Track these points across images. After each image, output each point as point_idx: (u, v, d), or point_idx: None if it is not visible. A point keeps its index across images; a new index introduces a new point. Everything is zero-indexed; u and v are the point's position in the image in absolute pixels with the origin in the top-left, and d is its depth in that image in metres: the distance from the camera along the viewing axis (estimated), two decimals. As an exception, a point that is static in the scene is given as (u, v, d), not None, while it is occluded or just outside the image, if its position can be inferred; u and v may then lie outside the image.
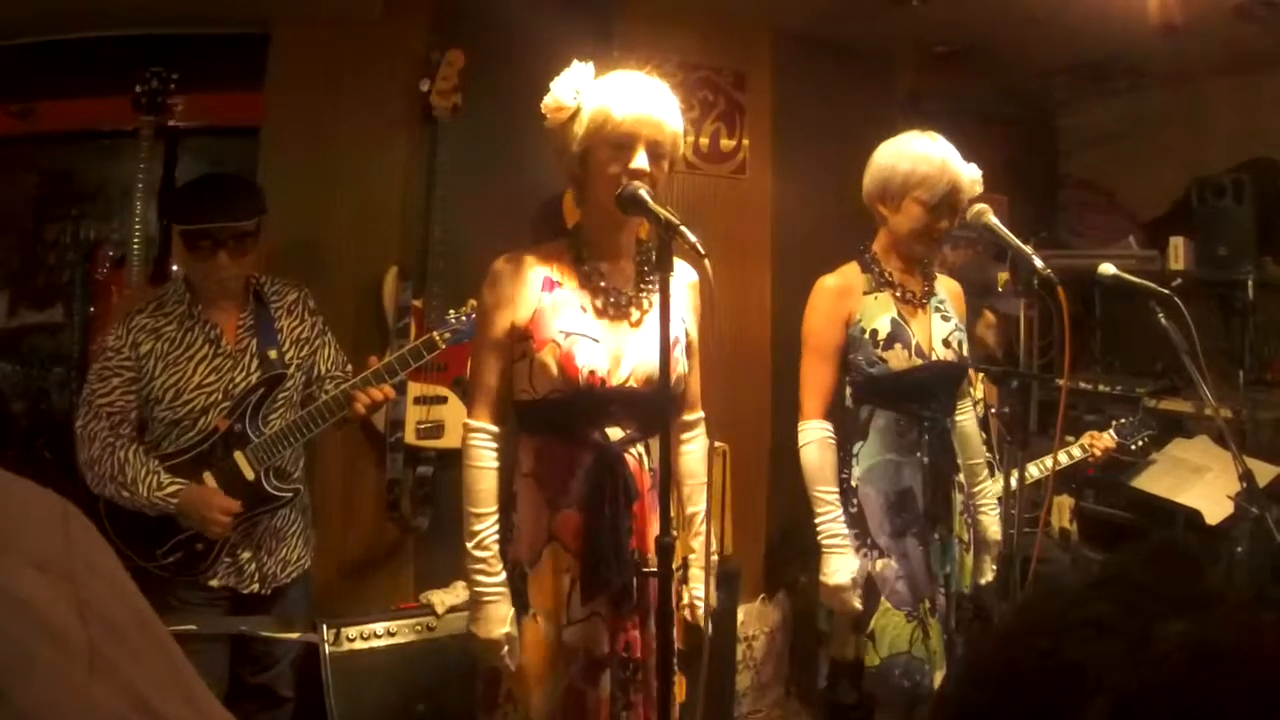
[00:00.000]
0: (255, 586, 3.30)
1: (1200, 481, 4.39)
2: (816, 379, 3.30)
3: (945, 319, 3.35)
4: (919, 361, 3.21)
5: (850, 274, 3.34)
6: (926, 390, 3.26)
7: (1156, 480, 4.56)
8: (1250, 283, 4.94)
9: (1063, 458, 4.17)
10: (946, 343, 3.30)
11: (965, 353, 3.37)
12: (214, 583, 3.23)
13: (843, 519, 3.22)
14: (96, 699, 0.64)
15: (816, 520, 3.23)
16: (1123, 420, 4.41)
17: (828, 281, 3.34)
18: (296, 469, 3.43)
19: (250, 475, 3.23)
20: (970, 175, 3.22)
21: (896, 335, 3.20)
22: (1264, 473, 3.92)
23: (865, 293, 3.27)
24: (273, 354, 3.33)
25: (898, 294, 3.29)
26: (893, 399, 3.25)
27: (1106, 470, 4.91)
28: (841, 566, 3.16)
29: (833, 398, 3.31)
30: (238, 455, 3.23)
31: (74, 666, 0.64)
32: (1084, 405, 5.21)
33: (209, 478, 3.19)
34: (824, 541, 3.20)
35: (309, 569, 3.54)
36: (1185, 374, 3.49)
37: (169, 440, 3.22)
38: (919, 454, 3.23)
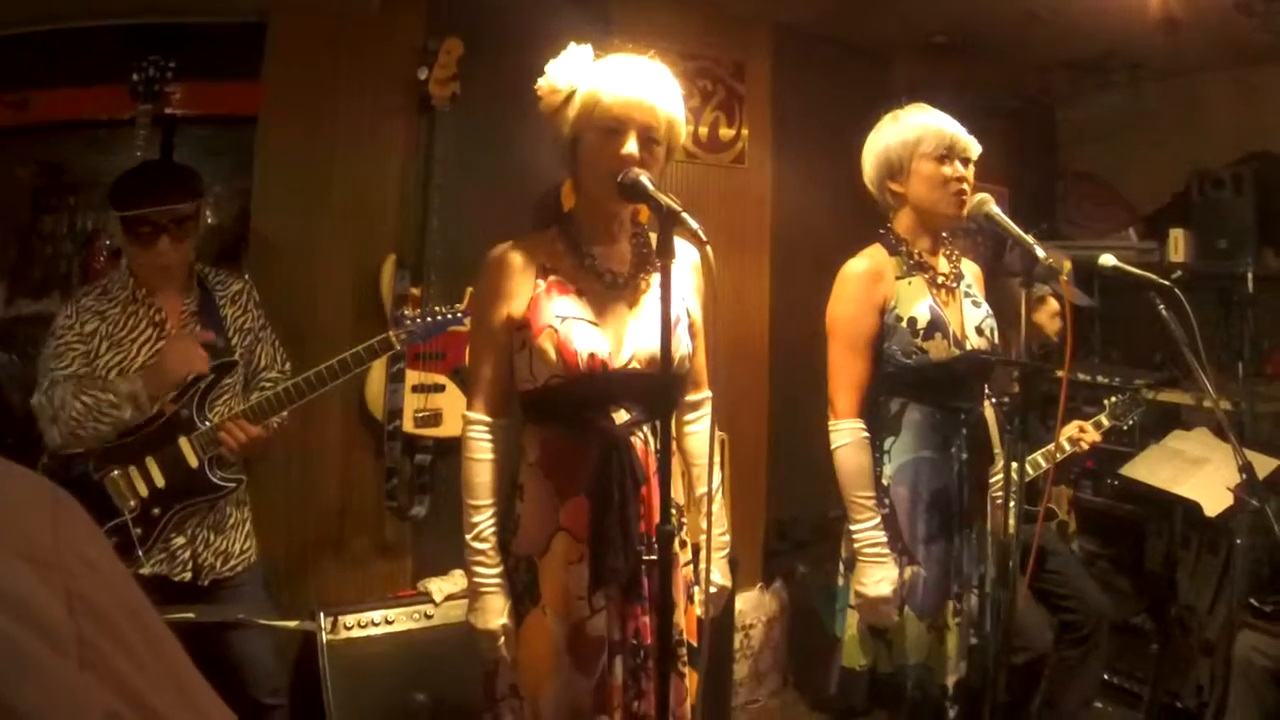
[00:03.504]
0: (187, 575, 3.24)
1: (1199, 473, 4.38)
2: (849, 373, 3.08)
3: (976, 305, 3.19)
4: (957, 352, 3.04)
5: (878, 256, 3.15)
6: (963, 381, 3.11)
7: (1155, 472, 4.55)
8: (1250, 275, 4.94)
9: (1043, 461, 4.14)
10: (980, 330, 3.13)
11: (997, 340, 3.21)
12: (144, 571, 3.16)
13: (882, 525, 3.02)
14: (88, 694, 0.63)
15: (854, 528, 3.03)
16: (1114, 399, 4.39)
17: (856, 265, 3.13)
18: (238, 460, 3.38)
19: (194, 463, 3.20)
20: (960, 128, 3.12)
21: (936, 324, 3.03)
22: (1263, 465, 3.91)
23: (898, 277, 3.10)
24: (218, 341, 3.32)
25: (929, 277, 3.12)
26: (929, 391, 3.07)
27: (1104, 461, 4.91)
28: (883, 577, 2.98)
29: (867, 393, 3.11)
30: (182, 441, 3.20)
31: (64, 661, 0.63)
32: (1082, 396, 5.21)
33: (151, 463, 3.16)
34: (864, 550, 3.01)
35: (256, 562, 3.48)
36: (1184, 365, 3.47)
37: None
38: (954, 448, 3.06)
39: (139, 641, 0.70)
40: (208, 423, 3.22)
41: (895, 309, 3.07)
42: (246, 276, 3.57)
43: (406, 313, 3.46)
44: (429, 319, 3.42)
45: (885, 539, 3.02)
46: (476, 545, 2.54)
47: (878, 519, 3.02)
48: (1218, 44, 4.99)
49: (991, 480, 3.23)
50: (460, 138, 4.17)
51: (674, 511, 2.39)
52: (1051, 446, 4.05)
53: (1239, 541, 4.10)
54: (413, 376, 4.06)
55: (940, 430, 3.08)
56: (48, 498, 0.74)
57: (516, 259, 2.55)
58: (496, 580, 2.55)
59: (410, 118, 4.22)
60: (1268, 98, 5.32)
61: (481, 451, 2.57)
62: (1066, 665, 4.06)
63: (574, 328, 2.46)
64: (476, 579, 2.56)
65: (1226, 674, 3.97)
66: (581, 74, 2.48)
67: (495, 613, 2.54)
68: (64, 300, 3.60)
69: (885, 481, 3.08)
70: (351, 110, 4.17)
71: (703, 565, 2.66)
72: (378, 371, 4.02)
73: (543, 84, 2.50)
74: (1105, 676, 4.54)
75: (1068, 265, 4.05)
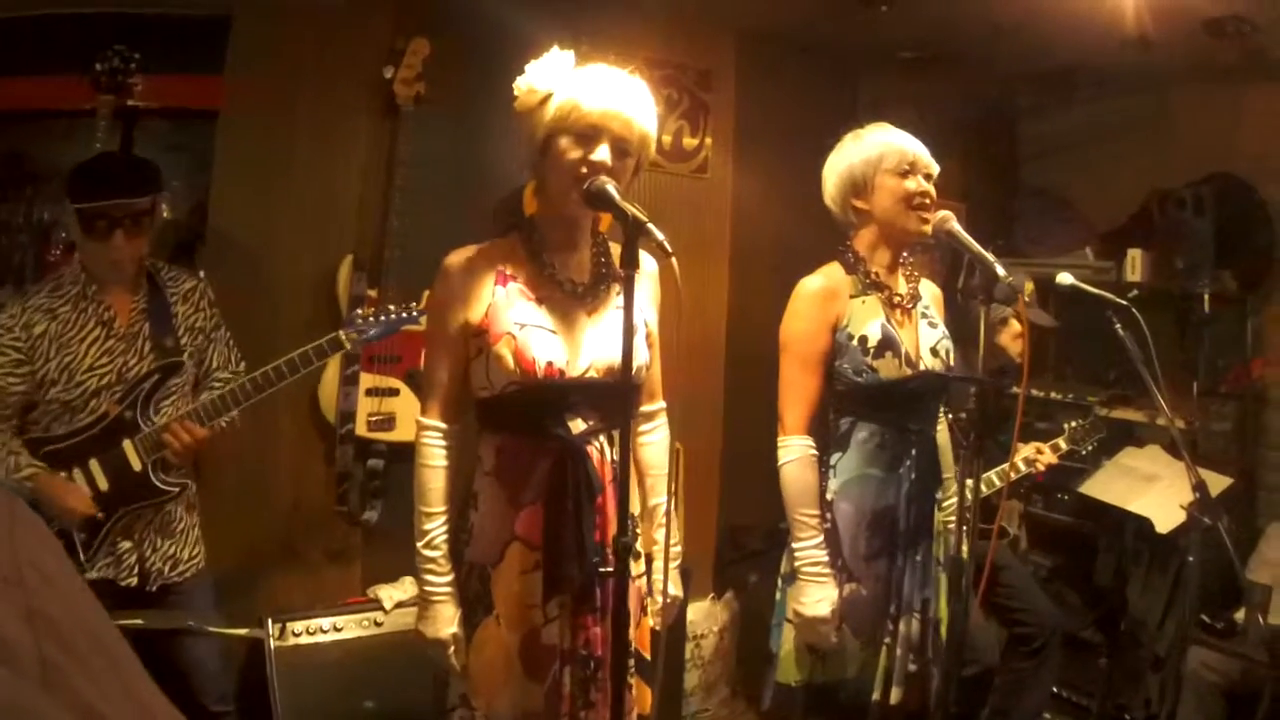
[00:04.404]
0: (133, 581, 3.18)
1: (1151, 490, 4.42)
2: (799, 390, 3.08)
3: (933, 326, 3.20)
4: (909, 372, 3.05)
5: (834, 275, 3.15)
6: (914, 402, 3.09)
7: (1106, 488, 4.59)
8: (1206, 295, 5.00)
9: (997, 480, 4.16)
10: (935, 351, 3.14)
11: (953, 362, 3.22)
12: (90, 576, 3.10)
13: (824, 545, 3.01)
14: (51, 718, 0.61)
15: (796, 545, 3.03)
16: (1074, 424, 4.42)
17: (811, 283, 3.13)
18: (185, 463, 3.31)
19: (137, 465, 3.14)
20: (921, 145, 3.14)
21: (888, 343, 3.03)
22: (1214, 483, 3.95)
23: (852, 296, 3.10)
24: (168, 341, 3.25)
25: (885, 297, 3.12)
26: (879, 410, 3.06)
27: (1056, 477, 4.94)
28: (823, 597, 2.98)
29: (817, 410, 3.10)
30: (126, 444, 3.14)
31: (27, 685, 0.60)
32: (1035, 412, 5.25)
33: (94, 465, 3.10)
34: (804, 569, 3.01)
35: (204, 568, 3.41)
36: (1138, 383, 3.50)
37: (61, 423, 3.14)
38: (902, 469, 3.06)
39: (99, 660, 0.68)
40: (152, 424, 3.16)
41: (847, 327, 3.07)
42: (202, 274, 3.51)
43: (359, 312, 3.41)
44: (382, 318, 3.38)
45: (826, 558, 3.02)
46: (427, 553, 2.51)
47: (820, 537, 3.02)
48: (1184, 63, 5.02)
49: (944, 504, 3.21)
50: (423, 139, 4.14)
51: (630, 523, 2.38)
52: (1006, 466, 4.07)
53: (1191, 559, 4.13)
54: (367, 380, 4.03)
55: (888, 450, 3.08)
56: (4, 509, 0.72)
57: (475, 264, 2.53)
58: (447, 589, 2.52)
59: (374, 117, 4.19)
60: (1231, 119, 5.37)
61: (436, 458, 2.54)
62: (1018, 677, 4.08)
63: (532, 335, 2.43)
64: (427, 588, 2.53)
65: (1177, 689, 4.01)
66: (561, 78, 2.46)
67: (446, 621, 2.51)
68: (18, 292, 3.54)
69: (829, 497, 3.08)
70: (314, 108, 4.13)
71: (656, 576, 2.66)
72: (331, 374, 3.98)
73: (521, 83, 2.48)
74: (1054, 689, 4.57)
75: (1029, 286, 4.06)
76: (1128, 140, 5.80)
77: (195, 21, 4.06)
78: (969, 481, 2.85)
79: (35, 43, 4.04)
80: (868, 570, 3.05)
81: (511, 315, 2.45)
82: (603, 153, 2.39)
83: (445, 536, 2.53)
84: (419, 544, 2.52)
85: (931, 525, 3.13)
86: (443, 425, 2.56)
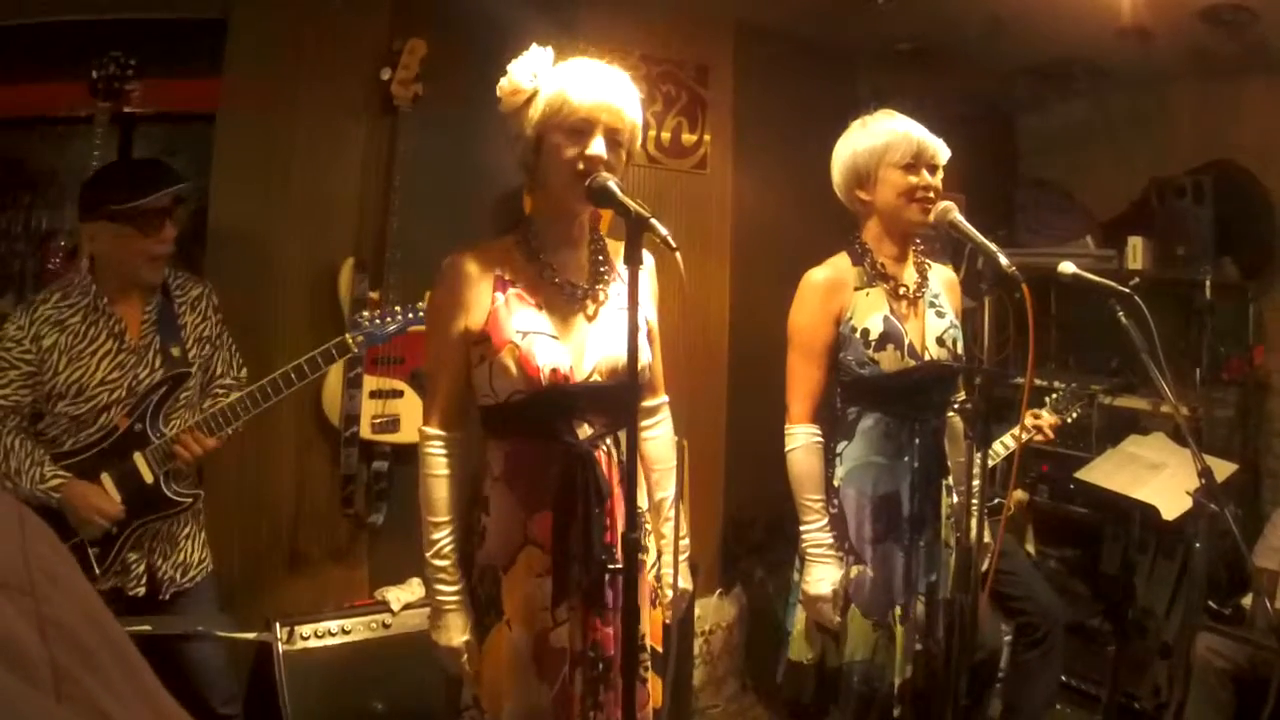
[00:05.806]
0: (141, 590, 3.16)
1: (1156, 478, 4.40)
2: (804, 380, 3.16)
3: (940, 315, 3.22)
4: (912, 363, 3.09)
5: (840, 266, 3.19)
6: (919, 392, 3.13)
7: (1112, 476, 4.57)
8: (1208, 283, 4.99)
9: (1010, 442, 4.16)
10: (941, 341, 3.16)
11: (960, 351, 3.23)
12: (100, 588, 3.04)
13: (828, 527, 3.11)
14: None
15: (802, 527, 3.13)
16: (1055, 395, 4.42)
17: (816, 275, 3.18)
18: (193, 472, 3.31)
19: (149, 478, 3.12)
20: (929, 134, 3.15)
21: (889, 335, 3.07)
22: (1219, 470, 3.94)
23: (857, 288, 3.14)
24: (175, 351, 3.23)
25: (890, 288, 3.16)
26: (882, 401, 3.12)
27: (1060, 466, 4.94)
28: (825, 576, 3.08)
29: (822, 399, 3.17)
30: (137, 457, 3.11)
31: (39, 695, 0.60)
32: (1037, 402, 5.24)
33: (106, 479, 3.07)
34: (808, 550, 3.11)
35: (211, 573, 3.40)
36: (1141, 371, 3.49)
37: (69, 436, 3.11)
38: (907, 457, 3.10)
39: (113, 667, 0.67)
40: (162, 436, 3.14)
41: (851, 319, 3.12)
42: (208, 282, 3.50)
43: (364, 314, 3.39)
44: (387, 319, 3.37)
45: (830, 540, 3.11)
46: (437, 563, 2.50)
47: (824, 521, 3.11)
48: (1183, 54, 5.01)
49: (961, 489, 3.19)
50: (422, 139, 4.14)
51: (638, 519, 2.37)
52: (1006, 436, 4.08)
53: (1197, 546, 4.13)
54: (370, 382, 4.02)
55: (893, 438, 3.13)
56: (13, 515, 0.71)
57: (473, 268, 2.50)
58: (458, 597, 2.52)
59: (372, 118, 4.19)
60: (1229, 108, 5.37)
61: (439, 467, 2.53)
62: (1025, 669, 4.07)
63: (536, 342, 2.42)
64: (439, 597, 2.52)
65: (1186, 676, 4.00)
66: (544, 75, 2.45)
67: (458, 630, 2.50)
68: (17, 302, 3.52)
69: (836, 483, 3.16)
70: (313, 110, 4.12)
71: (665, 569, 2.66)
72: (335, 377, 3.97)
73: (504, 84, 2.47)
74: (1063, 679, 4.56)
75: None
76: (1127, 132, 5.81)
77: (191, 25, 4.05)
78: (975, 471, 2.86)
79: (33, 49, 4.03)
80: (873, 553, 3.10)
81: (514, 323, 2.43)
82: (598, 146, 2.38)
83: (453, 545, 2.52)
84: (428, 554, 2.51)
85: (938, 511, 3.16)
86: (444, 433, 2.54)
